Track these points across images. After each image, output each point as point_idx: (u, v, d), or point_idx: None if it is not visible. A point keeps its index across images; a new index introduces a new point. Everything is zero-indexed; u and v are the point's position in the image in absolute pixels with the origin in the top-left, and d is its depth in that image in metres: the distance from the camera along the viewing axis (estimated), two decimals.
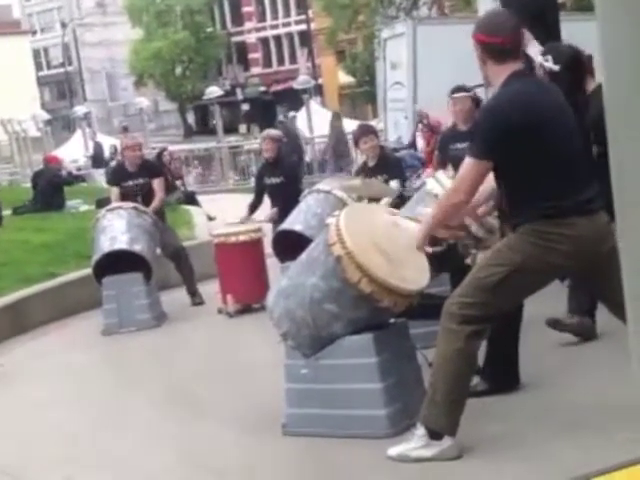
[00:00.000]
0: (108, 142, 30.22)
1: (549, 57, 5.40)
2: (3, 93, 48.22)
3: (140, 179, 9.03)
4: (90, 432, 5.34)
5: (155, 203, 8.91)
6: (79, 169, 27.81)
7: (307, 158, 24.68)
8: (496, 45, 4.05)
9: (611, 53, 1.73)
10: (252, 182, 16.15)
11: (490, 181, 4.22)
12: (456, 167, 6.73)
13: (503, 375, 4.93)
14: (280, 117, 28.44)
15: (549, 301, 5.38)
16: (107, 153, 28.08)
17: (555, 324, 5.67)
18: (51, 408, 5.92)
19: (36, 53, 69.62)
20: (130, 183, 9.03)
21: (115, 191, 9.13)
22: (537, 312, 5.14)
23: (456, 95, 7.29)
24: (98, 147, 28.98)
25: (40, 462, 4.93)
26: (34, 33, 71.55)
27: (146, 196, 8.94)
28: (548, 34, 7.11)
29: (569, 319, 5.69)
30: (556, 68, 5.33)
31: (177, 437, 5.04)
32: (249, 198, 9.52)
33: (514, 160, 3.98)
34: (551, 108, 4.09)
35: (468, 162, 4.02)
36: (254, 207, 9.20)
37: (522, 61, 4.15)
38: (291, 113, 27.78)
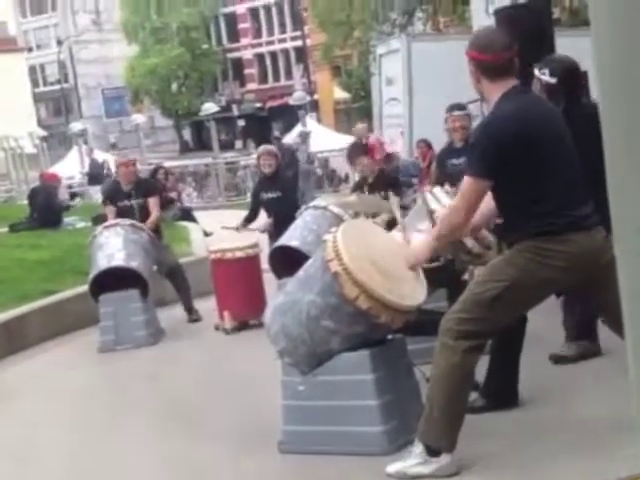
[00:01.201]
0: (102, 158, 30.23)
1: (545, 70, 5.41)
2: None
3: (136, 199, 8.99)
4: (86, 450, 5.32)
5: (150, 222, 8.87)
6: (71, 187, 27.73)
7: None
8: (488, 63, 4.08)
9: (606, 68, 1.73)
10: (248, 197, 16.17)
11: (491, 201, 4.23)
12: (453, 183, 6.76)
13: (502, 391, 4.92)
14: (276, 133, 28.46)
15: (546, 316, 5.39)
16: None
17: (560, 360, 5.64)
18: (48, 427, 5.90)
19: (32, 70, 69.70)
20: (126, 203, 8.98)
21: (111, 209, 9.07)
22: (533, 326, 5.13)
23: (456, 113, 7.36)
24: (95, 164, 28.96)
25: None
26: (30, 50, 71.70)
27: (142, 215, 8.91)
28: (543, 49, 7.13)
29: (570, 350, 5.66)
30: (553, 81, 5.34)
31: (174, 455, 5.02)
32: (244, 213, 9.53)
33: (510, 176, 3.99)
34: (546, 124, 4.11)
35: (467, 181, 4.03)
36: (248, 221, 9.22)
37: (516, 78, 4.16)
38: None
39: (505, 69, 4.09)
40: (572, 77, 5.42)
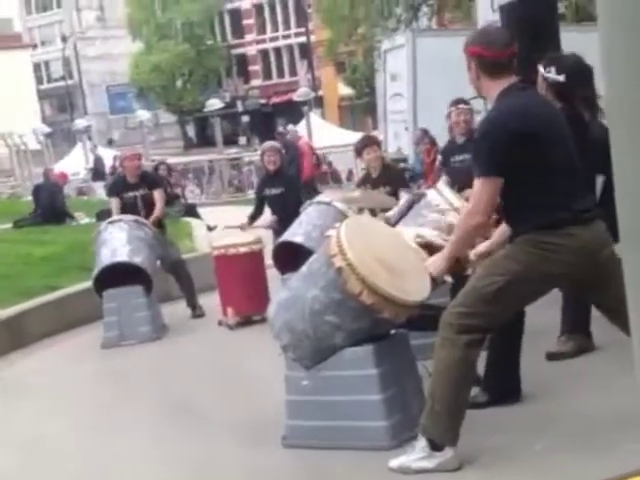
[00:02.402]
0: (109, 155, 30.27)
1: (552, 68, 5.35)
2: (4, 106, 48.27)
3: (140, 190, 9.04)
4: (90, 446, 5.32)
5: (156, 213, 8.92)
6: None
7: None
8: (489, 59, 4.09)
9: (613, 64, 1.73)
10: (250, 194, 16.25)
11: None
12: (456, 180, 6.77)
13: (504, 386, 4.91)
14: (280, 129, 28.43)
15: (546, 310, 5.39)
16: (108, 166, 28.05)
17: (556, 357, 5.63)
18: (52, 423, 5.90)
19: (37, 67, 69.72)
20: (130, 194, 9.03)
21: (115, 202, 9.12)
22: (534, 322, 5.13)
23: (461, 106, 7.38)
24: (99, 160, 29.00)
25: (41, 476, 4.92)
26: (35, 47, 71.71)
27: (147, 207, 8.95)
28: (548, 45, 7.11)
29: (565, 345, 5.66)
30: (561, 78, 5.29)
31: (177, 450, 5.02)
32: (248, 210, 9.52)
33: (512, 171, 3.99)
34: (546, 119, 4.12)
35: (478, 182, 4.02)
36: (254, 218, 9.21)
37: (516, 74, 4.16)
38: (290, 126, 27.66)
39: (505, 66, 4.10)
40: (580, 74, 5.36)
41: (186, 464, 4.77)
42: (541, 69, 5.39)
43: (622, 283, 1.81)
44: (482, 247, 4.54)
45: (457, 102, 7.47)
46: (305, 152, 17.29)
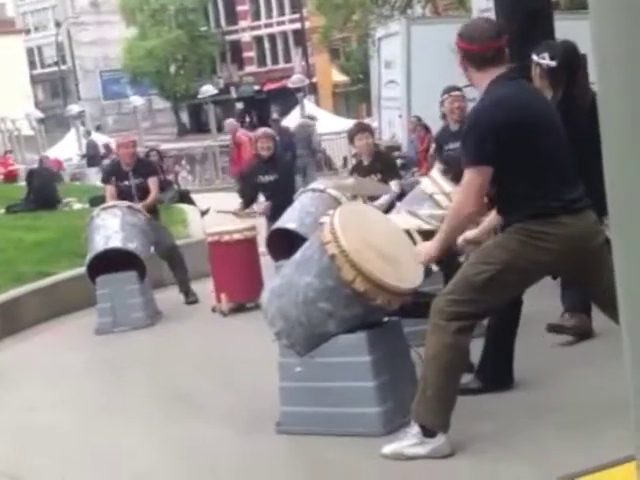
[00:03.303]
0: (103, 140, 30.19)
1: (545, 54, 5.38)
2: None
3: (136, 179, 9.03)
4: (83, 432, 5.33)
5: (148, 200, 8.91)
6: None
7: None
8: (475, 53, 4.10)
9: (604, 51, 1.73)
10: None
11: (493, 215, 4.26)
12: (450, 167, 6.78)
13: (497, 373, 4.93)
14: (274, 115, 28.36)
15: (541, 299, 5.40)
16: (102, 151, 27.99)
17: (557, 329, 5.65)
18: (45, 409, 5.91)
19: (30, 52, 69.48)
20: (126, 183, 9.03)
21: (110, 189, 9.11)
22: (529, 310, 5.14)
23: (454, 93, 7.41)
24: (92, 146, 28.90)
25: (35, 463, 4.92)
26: (28, 32, 71.41)
27: (141, 196, 8.94)
28: (542, 32, 7.11)
29: (568, 321, 5.68)
30: (553, 64, 5.31)
31: (171, 436, 5.04)
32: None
33: (502, 160, 4.00)
34: (536, 108, 4.13)
35: (467, 172, 4.02)
36: (247, 205, 9.20)
37: (507, 64, 4.15)
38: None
39: (492, 58, 4.09)
40: (572, 59, 5.40)
41: (180, 450, 4.78)
42: (534, 56, 5.42)
43: (612, 272, 1.82)
44: (470, 234, 4.55)
45: (450, 90, 7.50)
46: (243, 143, 17.21)
